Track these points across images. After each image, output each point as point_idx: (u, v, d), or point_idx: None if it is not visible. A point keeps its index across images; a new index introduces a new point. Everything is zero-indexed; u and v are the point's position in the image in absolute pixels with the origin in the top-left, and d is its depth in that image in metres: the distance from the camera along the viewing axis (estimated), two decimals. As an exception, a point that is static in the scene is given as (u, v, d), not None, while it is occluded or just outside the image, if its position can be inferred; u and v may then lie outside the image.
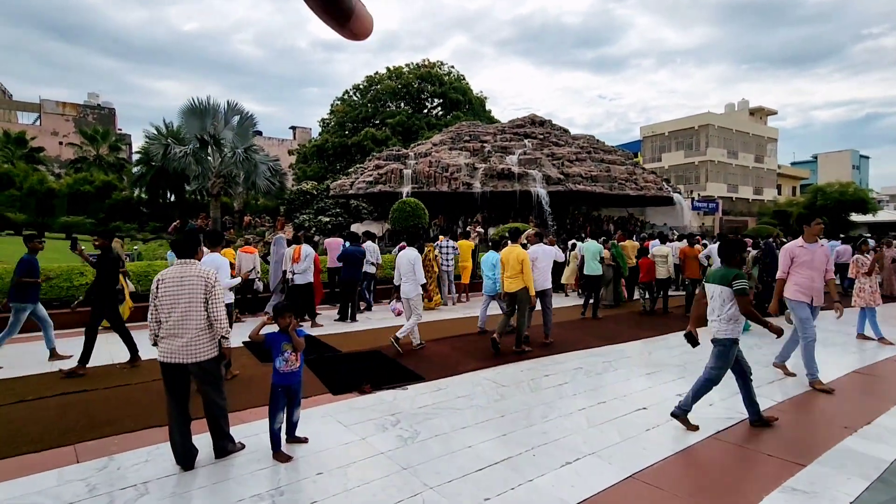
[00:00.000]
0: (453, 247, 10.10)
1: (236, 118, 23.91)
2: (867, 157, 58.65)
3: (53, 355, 5.67)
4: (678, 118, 41.14)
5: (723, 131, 40.37)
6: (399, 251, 8.61)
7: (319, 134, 36.92)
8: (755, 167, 42.79)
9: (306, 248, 7.85)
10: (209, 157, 23.00)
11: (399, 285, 6.42)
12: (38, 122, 41.87)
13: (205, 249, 5.03)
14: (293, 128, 55.02)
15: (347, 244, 8.51)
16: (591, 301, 8.86)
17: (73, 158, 36.14)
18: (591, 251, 8.96)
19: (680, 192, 24.60)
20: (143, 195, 33.79)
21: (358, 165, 22.84)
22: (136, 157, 36.26)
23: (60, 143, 38.96)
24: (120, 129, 47.09)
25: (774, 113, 45.83)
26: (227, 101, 23.68)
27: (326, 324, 7.98)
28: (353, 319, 8.19)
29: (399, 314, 6.44)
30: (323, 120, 37.24)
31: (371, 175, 21.23)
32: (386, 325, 7.99)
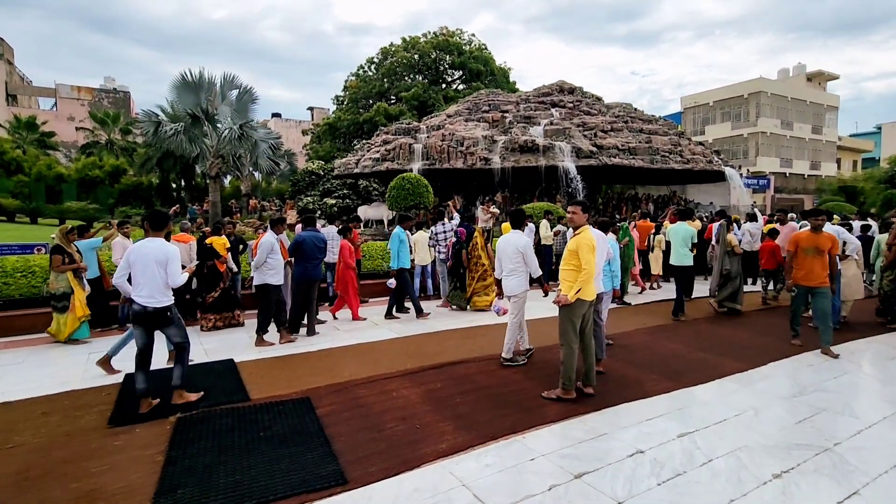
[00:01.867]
0: (451, 230, 7.86)
1: (234, 92, 22.01)
2: (940, 127, 52.42)
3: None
4: (725, 86, 37.07)
5: (776, 99, 36.15)
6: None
7: (333, 112, 34.93)
8: (812, 139, 38.39)
9: (266, 240, 5.77)
10: (205, 136, 21.17)
11: (500, 279, 4.99)
12: (55, 108, 41.43)
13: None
14: (311, 108, 53.23)
15: (328, 232, 6.32)
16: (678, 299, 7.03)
17: (85, 143, 35.38)
18: (679, 236, 7.15)
19: (733, 167, 21.41)
20: (153, 179, 32.69)
21: (365, 141, 20.67)
22: (150, 140, 35.23)
23: (77, 129, 38.32)
24: (137, 114, 46.27)
25: (836, 78, 40.92)
26: (224, 74, 21.73)
27: (297, 340, 5.89)
28: (312, 332, 6.09)
29: (504, 314, 5.17)
30: (337, 97, 35.19)
31: (378, 151, 19.04)
32: (355, 340, 5.86)
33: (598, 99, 22.82)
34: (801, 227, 7.61)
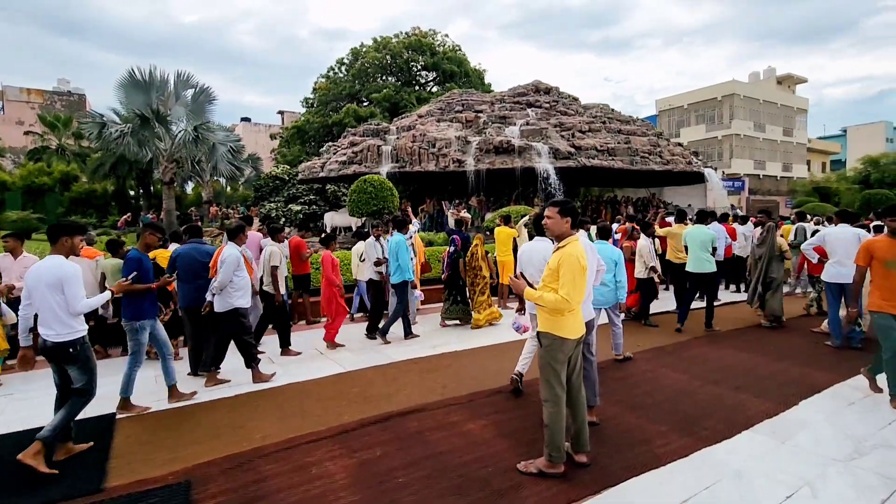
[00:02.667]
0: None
1: (189, 92, 20.53)
2: (901, 129, 54.00)
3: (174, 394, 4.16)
4: (699, 88, 37.10)
5: (749, 101, 36.34)
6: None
7: (302, 115, 33.52)
8: (784, 141, 38.75)
9: (230, 254, 4.70)
10: (158, 139, 19.62)
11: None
12: (1, 111, 38.79)
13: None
14: (281, 112, 51.54)
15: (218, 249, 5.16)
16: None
17: (33, 148, 33.05)
18: (698, 240, 6.54)
19: (712, 168, 20.95)
20: (108, 186, 30.64)
21: (331, 144, 19.45)
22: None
23: (26, 133, 35.85)
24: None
25: (804, 81, 41.54)
26: (177, 72, 20.20)
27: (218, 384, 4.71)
28: (199, 370, 4.90)
29: (525, 331, 4.64)
30: (306, 99, 33.80)
31: (344, 154, 17.84)
32: (287, 378, 4.70)
33: (575, 99, 22.14)
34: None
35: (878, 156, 24.54)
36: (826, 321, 5.96)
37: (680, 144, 21.76)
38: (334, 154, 18.46)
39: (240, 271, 4.69)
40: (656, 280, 6.88)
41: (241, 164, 25.26)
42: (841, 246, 5.26)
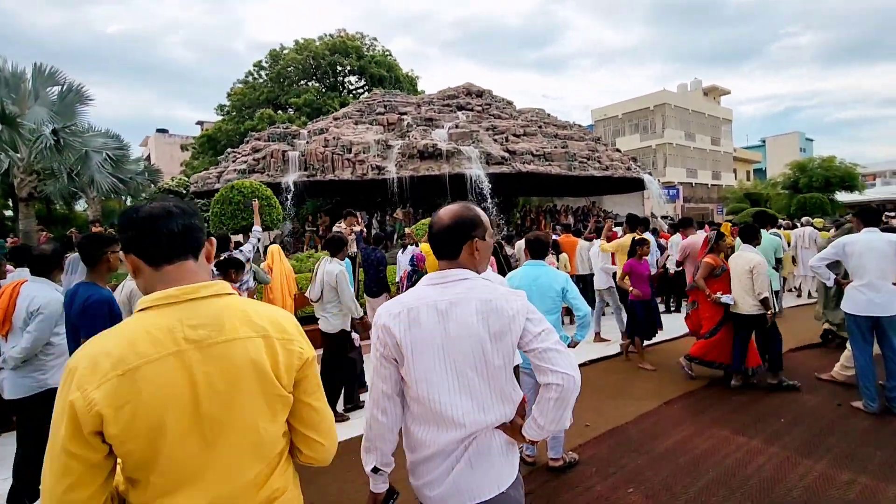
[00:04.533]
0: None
1: (54, 90, 17.10)
2: (812, 140, 58.04)
3: None
4: (632, 98, 37.40)
5: (679, 111, 37.02)
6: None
7: (215, 123, 30.17)
8: (712, 150, 39.88)
9: (27, 292, 3.02)
10: (6, 146, 16.00)
11: None
12: None
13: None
14: (200, 122, 47.25)
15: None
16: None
17: None
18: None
19: (650, 174, 20.11)
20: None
21: (231, 150, 16.72)
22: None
23: None
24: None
25: (728, 93, 43.24)
26: (37, 65, 16.79)
27: None
28: None
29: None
30: (221, 106, 30.52)
31: (245, 161, 15.19)
32: None
33: (509, 103, 20.73)
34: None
35: (805, 160, 25.07)
36: (843, 364, 4.29)
37: (618, 150, 20.84)
38: (234, 162, 15.73)
39: (60, 327, 2.94)
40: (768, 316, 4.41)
41: (137, 176, 21.75)
42: (872, 261, 3.56)
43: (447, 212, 1.53)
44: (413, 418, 1.47)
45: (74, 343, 2.65)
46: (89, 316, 2.53)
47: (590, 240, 8.59)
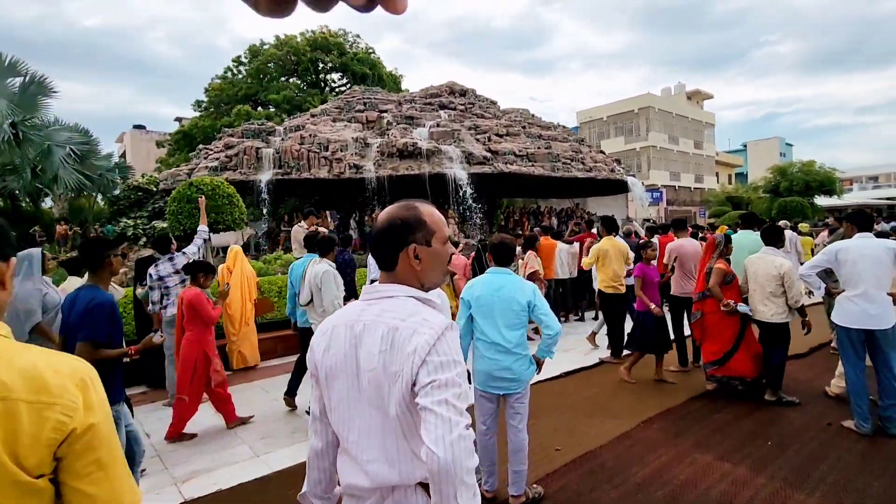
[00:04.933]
0: (170, 274, 4.19)
1: (16, 81, 16.37)
2: (791, 145, 59.05)
3: None
4: (617, 101, 37.44)
5: (663, 115, 37.17)
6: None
7: (191, 119, 29.29)
8: (695, 153, 40.16)
9: None
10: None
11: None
12: None
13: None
14: (179, 119, 46.10)
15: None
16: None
17: None
18: (748, 250, 4.55)
19: (634, 176, 19.97)
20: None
21: (202, 147, 16.09)
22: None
23: None
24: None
25: (711, 97, 43.63)
26: (-4, 55, 16.07)
27: None
28: None
29: None
30: (198, 102, 29.66)
31: (217, 159, 14.58)
32: None
33: (493, 103, 20.40)
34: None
35: (785, 165, 25.26)
36: (838, 380, 4.01)
37: (602, 152, 20.66)
38: (205, 159, 15.11)
39: None
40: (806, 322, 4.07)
41: (108, 173, 20.89)
42: (867, 269, 3.26)
43: (383, 213, 1.29)
44: (340, 448, 1.26)
45: (70, 347, 2.51)
46: (92, 319, 2.48)
47: (569, 242, 8.32)
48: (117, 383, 2.61)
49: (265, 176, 13.77)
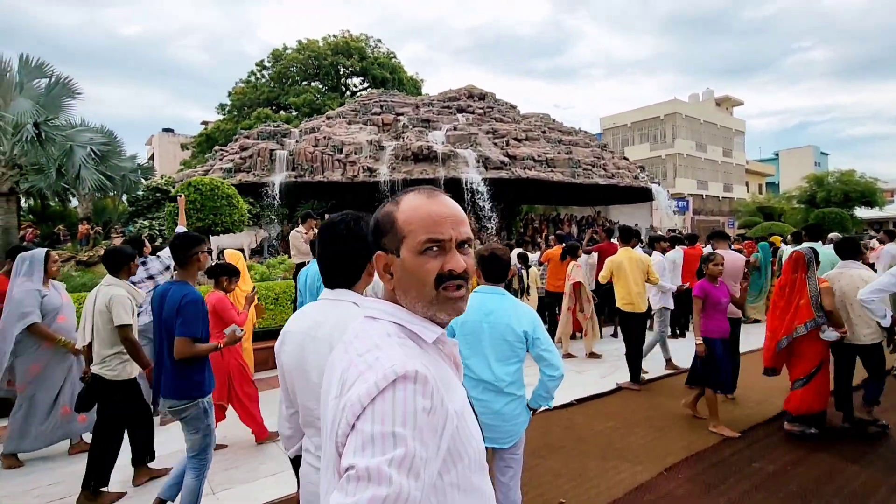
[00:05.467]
0: (143, 279, 3.84)
1: (41, 82, 16.56)
2: (826, 154, 56.72)
3: None
4: (642, 107, 36.48)
5: (690, 121, 36.04)
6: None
7: (214, 122, 29.72)
8: (724, 161, 38.81)
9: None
10: (-11, 137, 15.48)
11: None
12: None
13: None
14: (205, 123, 47.01)
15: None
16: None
17: None
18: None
19: (659, 183, 19.18)
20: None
21: (218, 148, 16.07)
22: None
23: None
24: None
25: (741, 104, 42.19)
26: (24, 57, 16.19)
27: None
28: None
29: None
30: (221, 105, 30.10)
31: (231, 160, 14.51)
32: None
33: (513, 107, 19.93)
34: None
35: (822, 174, 23.96)
36: None
37: (625, 158, 19.93)
38: (220, 160, 15.06)
39: None
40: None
41: (130, 174, 21.19)
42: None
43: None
44: None
45: (167, 341, 2.63)
46: (186, 315, 2.56)
47: (588, 253, 7.75)
48: (207, 376, 2.71)
49: (278, 178, 13.59)
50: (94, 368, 3.13)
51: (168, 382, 2.57)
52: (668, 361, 5.78)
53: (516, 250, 7.81)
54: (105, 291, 3.14)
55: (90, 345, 3.20)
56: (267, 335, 6.18)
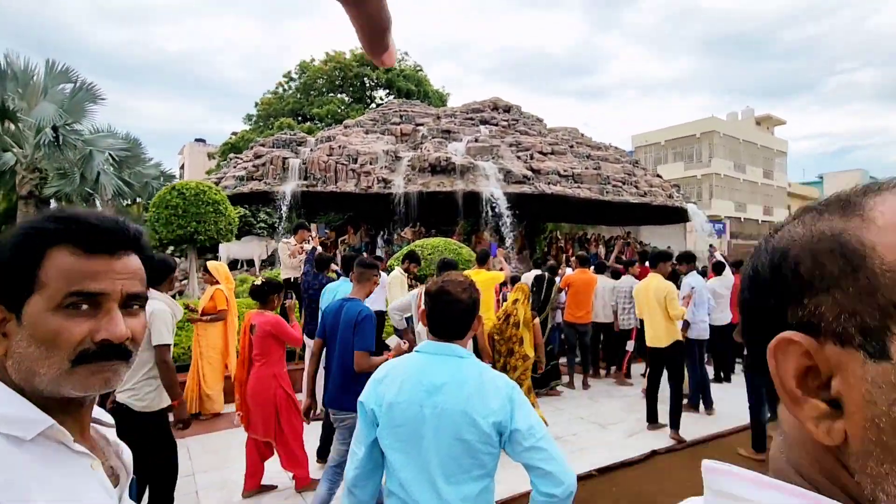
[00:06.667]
0: None
1: (65, 88, 16.75)
2: (875, 178, 53.44)
3: None
4: (677, 125, 35.09)
5: (728, 140, 34.37)
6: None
7: (239, 132, 29.98)
8: (764, 183, 36.82)
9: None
10: (11, 141, 15.82)
11: None
12: None
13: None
14: (234, 133, 47.88)
15: None
16: None
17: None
18: None
19: (695, 203, 17.89)
20: None
21: (233, 156, 15.76)
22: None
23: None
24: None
25: (783, 123, 40.20)
26: (49, 61, 16.51)
27: None
28: None
29: None
30: (248, 115, 30.42)
31: (244, 168, 14.12)
32: None
33: (539, 120, 19.10)
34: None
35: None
36: None
37: (659, 176, 18.75)
38: (234, 168, 14.71)
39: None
40: None
41: (153, 181, 21.32)
42: None
43: None
44: None
45: (339, 354, 2.83)
46: (363, 330, 2.74)
47: (618, 275, 6.70)
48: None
49: (289, 187, 13.07)
50: (121, 397, 2.69)
51: (335, 394, 2.76)
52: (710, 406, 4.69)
53: (534, 271, 6.87)
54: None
55: None
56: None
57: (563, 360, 6.30)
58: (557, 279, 7.07)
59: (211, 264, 5.72)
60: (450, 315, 1.38)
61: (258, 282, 3.43)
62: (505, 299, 5.58)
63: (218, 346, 4.30)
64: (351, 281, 3.81)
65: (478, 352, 4.07)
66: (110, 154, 16.29)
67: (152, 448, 2.70)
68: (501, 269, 5.48)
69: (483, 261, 5.10)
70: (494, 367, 4.30)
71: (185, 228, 5.99)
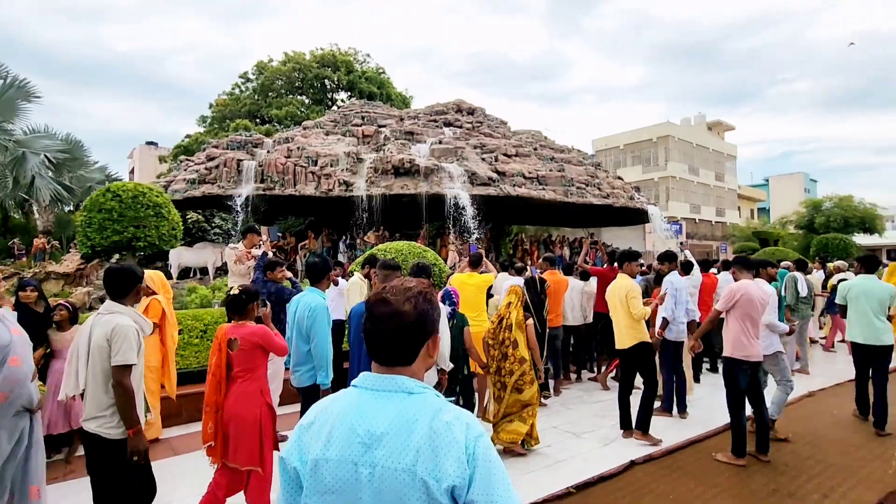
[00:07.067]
0: None
1: (-6, 83, 15.49)
2: (816, 181, 56.95)
3: None
4: (635, 129, 36.12)
5: (683, 144, 35.68)
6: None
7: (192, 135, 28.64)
8: (716, 186, 38.43)
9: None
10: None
11: None
12: None
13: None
14: (189, 136, 45.84)
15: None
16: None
17: None
18: (875, 298, 3.98)
19: (655, 204, 18.29)
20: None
21: (184, 158, 14.92)
22: None
23: None
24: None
25: (732, 128, 42.13)
26: (-26, 55, 14.96)
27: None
28: None
29: None
30: (202, 117, 29.09)
31: (196, 171, 13.34)
32: None
33: (503, 122, 19.09)
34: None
35: (819, 199, 23.34)
36: None
37: (620, 178, 19.08)
38: (185, 171, 13.87)
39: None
40: None
41: (97, 185, 19.90)
42: None
43: None
44: None
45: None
46: None
47: (584, 278, 6.57)
48: None
49: (245, 190, 12.42)
50: (90, 426, 2.36)
51: None
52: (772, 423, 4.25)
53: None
54: (106, 321, 2.39)
55: (83, 393, 2.43)
56: (190, 378, 4.91)
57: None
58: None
59: (147, 273, 5.18)
60: (388, 333, 1.04)
61: (234, 291, 2.99)
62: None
63: (153, 365, 3.81)
64: (317, 289, 3.49)
65: (467, 356, 3.83)
66: (46, 156, 15.10)
67: (129, 476, 2.37)
68: (488, 271, 5.29)
69: (476, 263, 5.00)
70: (488, 371, 4.07)
71: (122, 234, 5.36)
